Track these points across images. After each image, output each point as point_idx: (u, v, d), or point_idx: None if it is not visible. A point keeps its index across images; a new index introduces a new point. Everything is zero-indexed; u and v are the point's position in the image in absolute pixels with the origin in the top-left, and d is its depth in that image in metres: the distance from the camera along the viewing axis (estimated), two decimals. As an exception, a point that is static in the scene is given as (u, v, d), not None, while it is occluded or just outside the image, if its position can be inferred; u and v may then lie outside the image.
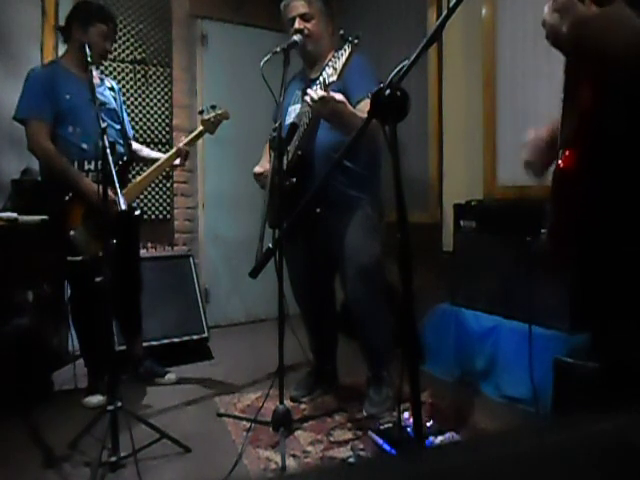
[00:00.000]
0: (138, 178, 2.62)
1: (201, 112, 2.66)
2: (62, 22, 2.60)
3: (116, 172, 2.38)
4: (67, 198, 2.34)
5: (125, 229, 2.43)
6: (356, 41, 1.92)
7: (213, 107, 2.63)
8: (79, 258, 2.25)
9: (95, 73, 2.54)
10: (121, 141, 2.63)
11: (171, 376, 2.79)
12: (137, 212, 2.71)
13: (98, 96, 2.46)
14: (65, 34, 2.52)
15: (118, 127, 2.64)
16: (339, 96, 2.06)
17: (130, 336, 2.79)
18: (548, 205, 0.89)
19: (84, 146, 2.39)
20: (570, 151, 0.83)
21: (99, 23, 2.47)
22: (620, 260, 0.84)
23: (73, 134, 2.41)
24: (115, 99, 2.68)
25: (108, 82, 2.71)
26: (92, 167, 2.41)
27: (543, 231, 0.93)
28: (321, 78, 2.06)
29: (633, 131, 0.79)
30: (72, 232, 2.32)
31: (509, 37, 2.71)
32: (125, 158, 2.59)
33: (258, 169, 2.53)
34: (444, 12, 0.97)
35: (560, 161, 0.84)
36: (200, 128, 2.64)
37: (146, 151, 2.89)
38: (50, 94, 2.37)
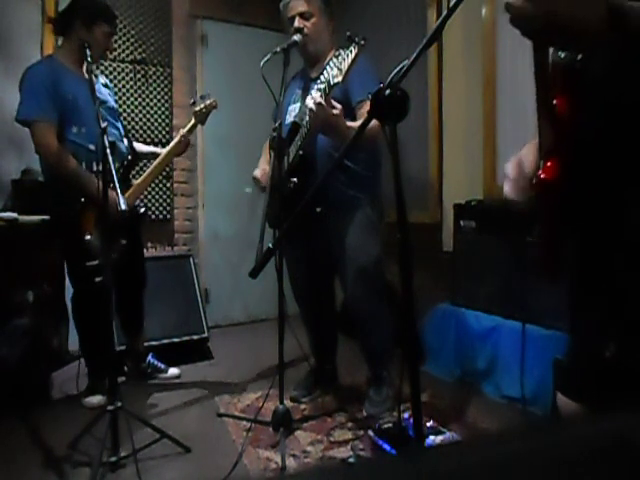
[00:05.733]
0: (140, 177, 2.60)
1: (193, 103, 2.64)
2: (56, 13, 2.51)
3: (121, 173, 2.41)
4: (81, 203, 2.28)
5: (130, 228, 2.44)
6: (362, 42, 1.91)
7: (202, 97, 2.63)
8: (96, 262, 2.22)
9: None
10: (124, 141, 2.61)
11: (174, 371, 2.80)
12: (142, 210, 2.70)
13: (97, 95, 2.45)
14: (61, 28, 2.42)
15: (119, 126, 2.61)
16: (337, 107, 2.03)
17: (132, 333, 2.79)
18: (534, 216, 0.89)
19: (91, 147, 2.33)
20: (551, 161, 0.84)
21: (104, 23, 2.40)
22: (610, 262, 0.84)
23: (78, 135, 2.34)
24: (111, 97, 2.65)
25: (102, 79, 2.66)
26: (101, 168, 2.40)
27: (529, 239, 0.93)
28: (323, 77, 2.05)
29: (612, 137, 0.79)
30: (88, 237, 2.28)
31: (509, 37, 2.71)
32: (129, 158, 2.57)
33: (258, 173, 2.52)
34: (444, 12, 0.97)
35: (541, 172, 0.84)
36: (192, 121, 2.62)
37: (145, 147, 2.88)
38: (53, 93, 2.28)
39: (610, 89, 0.80)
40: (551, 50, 0.86)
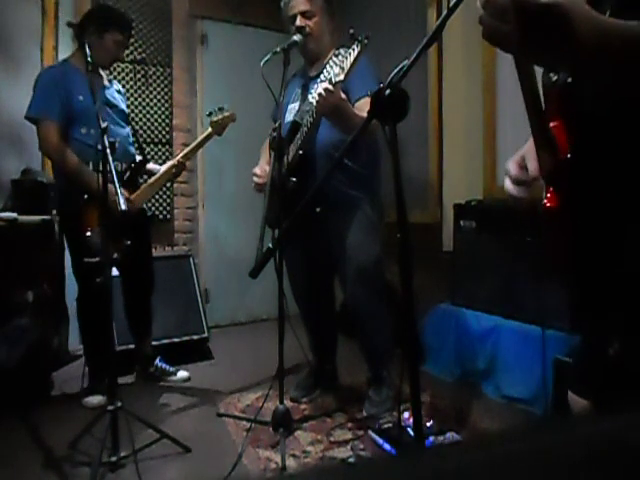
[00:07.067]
0: (150, 180, 2.62)
1: (210, 114, 2.67)
2: (72, 19, 2.60)
3: (130, 173, 2.50)
4: (84, 199, 2.32)
5: (137, 230, 2.45)
6: (366, 41, 1.90)
7: (221, 109, 2.65)
8: (96, 259, 2.24)
9: (104, 75, 2.60)
10: (133, 144, 2.66)
11: (183, 374, 2.81)
12: (149, 214, 2.72)
13: (108, 98, 2.54)
14: (78, 32, 2.48)
15: (129, 129, 2.66)
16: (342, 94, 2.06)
17: (139, 336, 2.79)
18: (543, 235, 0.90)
19: (99, 147, 2.38)
20: (553, 190, 0.84)
21: (116, 31, 2.48)
22: (612, 260, 0.84)
23: (87, 135, 2.40)
24: (122, 102, 2.71)
25: (116, 85, 2.74)
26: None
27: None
28: (323, 76, 2.05)
29: (613, 173, 0.79)
30: (89, 233, 2.30)
31: (509, 37, 2.71)
32: (138, 159, 2.61)
33: (257, 170, 2.51)
34: (444, 12, 0.97)
35: (545, 200, 0.84)
36: (209, 130, 2.65)
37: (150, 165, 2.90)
38: (63, 95, 2.38)
39: (608, 111, 0.79)
40: (541, 72, 0.84)
